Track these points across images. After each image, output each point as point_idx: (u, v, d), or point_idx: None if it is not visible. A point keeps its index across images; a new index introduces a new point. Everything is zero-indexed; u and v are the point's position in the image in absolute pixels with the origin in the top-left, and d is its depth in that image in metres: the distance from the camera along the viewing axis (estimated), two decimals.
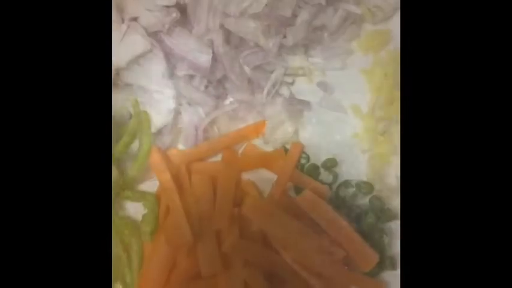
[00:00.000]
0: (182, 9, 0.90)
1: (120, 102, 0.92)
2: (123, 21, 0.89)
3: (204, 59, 0.89)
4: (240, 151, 0.96)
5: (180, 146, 0.96)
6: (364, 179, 0.94)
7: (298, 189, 0.92)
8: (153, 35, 0.89)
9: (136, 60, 0.89)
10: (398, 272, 0.86)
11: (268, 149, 0.96)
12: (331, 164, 0.94)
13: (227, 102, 0.98)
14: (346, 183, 0.93)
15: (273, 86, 0.96)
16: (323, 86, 1.00)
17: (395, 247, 0.90)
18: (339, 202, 0.92)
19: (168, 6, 0.88)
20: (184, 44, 0.90)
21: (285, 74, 0.99)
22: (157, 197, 0.90)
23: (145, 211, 0.88)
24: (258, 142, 0.97)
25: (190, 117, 0.94)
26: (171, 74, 0.91)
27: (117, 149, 0.88)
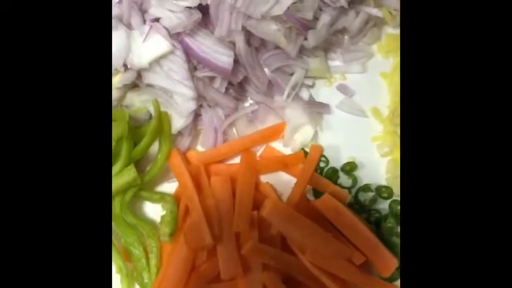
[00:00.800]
0: (204, 11, 0.89)
1: (141, 102, 0.92)
2: (145, 22, 0.89)
3: (225, 60, 0.89)
4: (258, 153, 0.96)
5: (200, 148, 0.96)
6: (384, 183, 0.94)
7: (317, 193, 0.92)
8: (175, 36, 0.89)
9: (158, 61, 0.89)
10: None
11: (287, 151, 0.96)
12: (350, 168, 0.94)
13: (247, 104, 0.98)
14: (366, 187, 0.93)
15: (293, 88, 0.96)
16: (343, 88, 1.00)
17: None
18: (359, 206, 0.91)
19: (190, 8, 0.88)
20: (206, 46, 0.90)
21: (305, 77, 0.98)
22: (176, 198, 0.89)
23: (164, 212, 0.88)
24: (277, 145, 0.97)
25: (210, 119, 0.94)
26: (192, 75, 0.91)
27: (137, 150, 0.88)
